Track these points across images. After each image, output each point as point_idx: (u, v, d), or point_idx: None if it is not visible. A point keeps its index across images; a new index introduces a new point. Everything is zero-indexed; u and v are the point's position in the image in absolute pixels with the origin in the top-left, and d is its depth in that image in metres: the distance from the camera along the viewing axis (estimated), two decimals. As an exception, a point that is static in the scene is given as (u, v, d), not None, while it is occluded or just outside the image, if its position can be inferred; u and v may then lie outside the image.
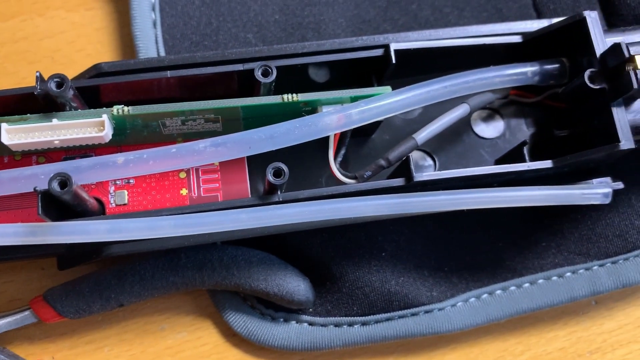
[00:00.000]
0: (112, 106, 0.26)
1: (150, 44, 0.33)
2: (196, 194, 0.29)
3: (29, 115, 0.26)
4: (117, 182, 0.29)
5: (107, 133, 0.26)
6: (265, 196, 0.27)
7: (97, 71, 0.28)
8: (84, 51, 0.35)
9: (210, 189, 0.29)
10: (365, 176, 0.27)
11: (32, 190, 0.25)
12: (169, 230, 0.25)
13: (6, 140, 0.25)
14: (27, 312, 0.30)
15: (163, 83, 0.28)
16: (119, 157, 0.25)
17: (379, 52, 0.29)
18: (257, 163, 0.30)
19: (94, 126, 0.26)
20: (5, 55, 0.34)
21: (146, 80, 0.28)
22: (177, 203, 0.29)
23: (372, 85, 0.30)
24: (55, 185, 0.24)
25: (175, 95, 0.29)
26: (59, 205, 0.25)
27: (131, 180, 0.29)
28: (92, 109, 0.26)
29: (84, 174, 0.25)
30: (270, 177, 0.26)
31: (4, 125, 0.25)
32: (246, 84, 0.29)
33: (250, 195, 0.29)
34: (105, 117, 0.26)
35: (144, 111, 0.26)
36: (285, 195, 0.27)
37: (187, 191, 0.29)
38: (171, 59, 0.28)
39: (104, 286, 0.29)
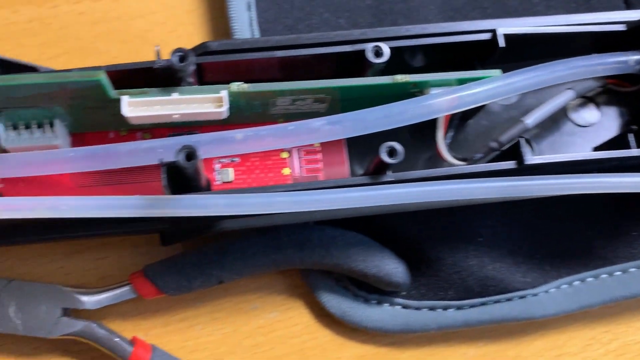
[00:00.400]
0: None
1: (245, 26, 0.33)
2: (298, 174, 0.29)
3: (148, 89, 0.26)
4: (223, 160, 0.29)
5: (225, 109, 0.26)
6: (375, 176, 0.27)
7: (203, 50, 0.28)
8: (174, 32, 0.35)
9: (312, 169, 0.30)
10: (475, 158, 0.27)
11: (153, 162, 0.25)
12: (285, 206, 0.25)
13: (127, 113, 0.25)
14: (126, 288, 0.30)
15: (267, 64, 0.29)
16: (238, 134, 0.26)
17: (486, 36, 0.29)
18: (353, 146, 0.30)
19: (213, 102, 0.26)
20: (97, 34, 0.35)
21: (253, 60, 0.28)
22: (279, 182, 0.29)
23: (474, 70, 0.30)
24: (182, 157, 0.24)
25: (275, 76, 0.29)
26: (178, 178, 0.25)
27: (236, 159, 0.29)
28: (210, 85, 0.26)
29: (204, 148, 0.25)
30: (385, 157, 0.26)
31: (125, 97, 0.25)
32: (345, 67, 0.29)
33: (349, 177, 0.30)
34: (224, 93, 0.26)
35: (263, 89, 0.26)
36: (397, 175, 0.27)
37: (289, 170, 0.29)
38: (277, 39, 0.28)
39: (205, 263, 0.29)
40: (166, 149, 0.26)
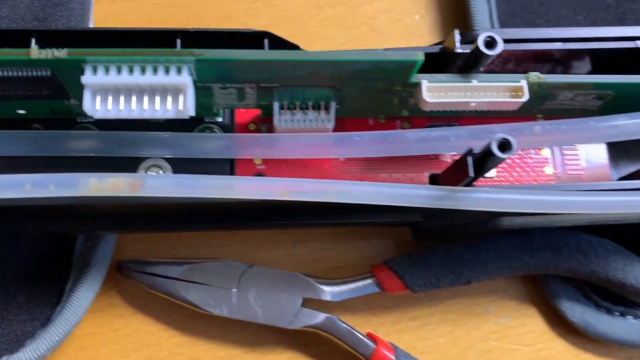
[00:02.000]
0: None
1: (485, 18, 0.32)
2: (561, 173, 0.28)
3: (439, 74, 0.25)
4: (486, 155, 0.28)
5: (524, 99, 0.25)
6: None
7: (470, 38, 0.27)
8: (401, 21, 0.34)
9: (574, 169, 0.28)
10: None
11: (439, 152, 0.24)
12: (584, 207, 0.24)
13: (428, 98, 0.24)
14: (369, 281, 0.29)
15: (542, 55, 0.27)
16: (536, 126, 0.24)
17: None
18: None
19: (511, 91, 0.25)
20: (323, 20, 0.34)
21: (536, 51, 0.27)
22: (542, 181, 0.28)
23: None
24: (495, 147, 0.23)
25: (525, 70, 0.28)
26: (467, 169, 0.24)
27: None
28: (507, 74, 0.25)
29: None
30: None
31: (424, 82, 0.24)
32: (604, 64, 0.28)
33: (612, 179, 0.28)
34: (523, 82, 0.25)
35: (560, 80, 0.25)
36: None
37: (552, 170, 0.28)
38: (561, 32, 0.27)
39: (456, 261, 0.28)
40: (458, 139, 0.25)
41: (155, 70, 0.22)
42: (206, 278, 0.28)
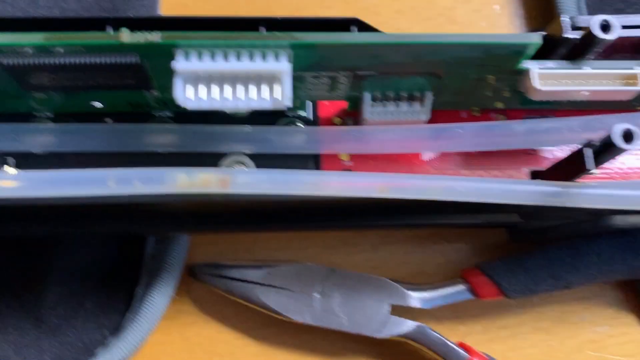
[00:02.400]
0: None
1: (571, 7, 0.30)
2: (670, 170, 0.26)
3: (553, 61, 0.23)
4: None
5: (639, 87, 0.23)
6: None
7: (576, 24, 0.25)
8: (480, 12, 0.32)
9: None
10: None
11: (559, 145, 0.22)
12: None
13: (539, 86, 0.22)
14: (460, 286, 0.27)
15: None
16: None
17: None
18: None
19: (625, 79, 0.23)
20: (398, 10, 0.32)
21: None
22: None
23: None
24: (619, 137, 0.21)
25: None
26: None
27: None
28: (617, 61, 0.23)
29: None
30: None
31: (535, 69, 0.22)
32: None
33: None
34: (638, 70, 0.23)
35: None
36: None
37: (659, 165, 0.26)
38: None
39: (556, 264, 0.26)
40: (570, 130, 0.23)
41: (251, 57, 0.20)
42: (287, 282, 0.26)
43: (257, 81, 0.21)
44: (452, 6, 0.32)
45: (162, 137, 0.24)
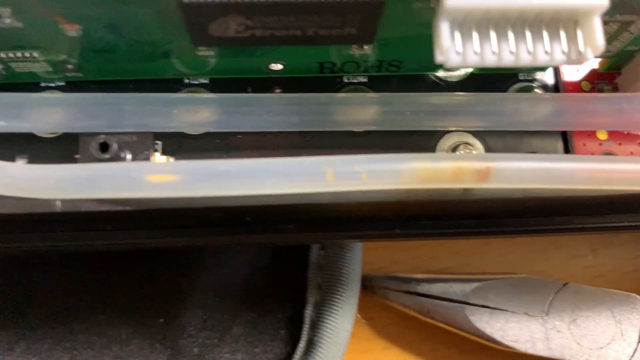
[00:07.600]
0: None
1: None
2: None
3: None
4: None
5: None
6: None
7: None
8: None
9: None
10: None
11: None
12: None
13: None
14: None
15: None
16: None
17: None
18: None
19: None
20: None
21: None
22: None
23: None
24: None
25: None
26: None
27: None
28: None
29: None
30: None
31: None
32: None
33: None
34: None
35: None
36: None
37: None
38: None
39: None
40: None
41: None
42: (504, 301, 0.20)
43: (551, 25, 0.14)
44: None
45: (361, 112, 0.18)
